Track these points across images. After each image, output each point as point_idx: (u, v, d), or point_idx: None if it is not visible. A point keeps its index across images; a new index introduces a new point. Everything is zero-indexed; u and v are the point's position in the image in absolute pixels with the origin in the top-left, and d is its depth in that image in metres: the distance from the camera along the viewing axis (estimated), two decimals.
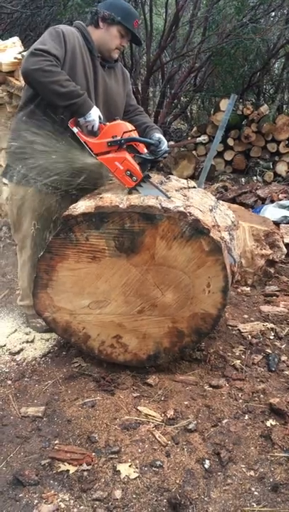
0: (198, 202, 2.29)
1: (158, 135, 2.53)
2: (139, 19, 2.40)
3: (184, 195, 2.32)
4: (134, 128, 2.30)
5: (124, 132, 2.22)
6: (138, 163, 2.24)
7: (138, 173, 2.21)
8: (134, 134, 2.27)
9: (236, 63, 7.94)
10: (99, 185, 2.44)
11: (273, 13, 8.17)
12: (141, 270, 2.16)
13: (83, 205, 2.12)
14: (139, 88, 8.53)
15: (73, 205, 2.17)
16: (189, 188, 2.58)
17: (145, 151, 2.31)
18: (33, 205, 2.52)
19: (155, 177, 2.53)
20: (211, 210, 2.32)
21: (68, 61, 2.32)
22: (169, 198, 2.18)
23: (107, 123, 2.29)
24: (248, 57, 8.04)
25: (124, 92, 2.70)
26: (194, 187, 2.65)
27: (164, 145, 2.45)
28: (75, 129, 2.28)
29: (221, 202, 2.73)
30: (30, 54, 2.19)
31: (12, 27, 7.73)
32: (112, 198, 2.11)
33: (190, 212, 2.05)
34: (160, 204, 2.04)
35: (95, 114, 2.28)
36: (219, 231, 2.19)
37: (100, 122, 2.31)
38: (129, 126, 2.27)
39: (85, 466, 1.82)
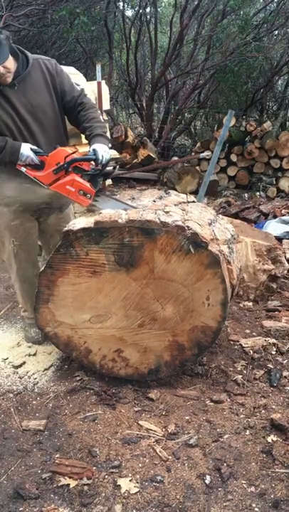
0: (197, 216, 2.31)
1: (92, 147, 2.35)
2: None
3: (182, 210, 2.34)
4: (74, 150, 2.37)
5: (65, 157, 2.30)
6: (88, 180, 2.32)
7: (90, 190, 2.29)
8: (76, 155, 2.33)
9: (240, 80, 8.06)
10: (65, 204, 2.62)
11: (276, 32, 8.32)
12: (140, 284, 2.18)
13: (83, 221, 2.15)
14: (144, 104, 8.66)
15: (73, 220, 2.20)
16: (188, 202, 2.60)
17: (91, 166, 2.35)
18: (8, 223, 2.56)
19: (155, 192, 2.55)
20: (210, 224, 2.33)
21: None
22: (134, 207, 2.26)
23: (48, 154, 2.35)
24: (252, 74, 8.17)
25: (52, 93, 2.45)
26: (194, 201, 2.68)
27: (101, 153, 2.31)
28: (23, 169, 2.39)
29: (220, 216, 2.75)
30: None
31: (19, 44, 7.89)
32: (111, 213, 2.15)
33: (188, 226, 2.07)
34: (158, 218, 2.07)
35: (26, 150, 2.34)
36: (218, 244, 2.21)
37: (41, 155, 2.37)
38: (69, 150, 2.35)
39: (85, 481, 1.82)
